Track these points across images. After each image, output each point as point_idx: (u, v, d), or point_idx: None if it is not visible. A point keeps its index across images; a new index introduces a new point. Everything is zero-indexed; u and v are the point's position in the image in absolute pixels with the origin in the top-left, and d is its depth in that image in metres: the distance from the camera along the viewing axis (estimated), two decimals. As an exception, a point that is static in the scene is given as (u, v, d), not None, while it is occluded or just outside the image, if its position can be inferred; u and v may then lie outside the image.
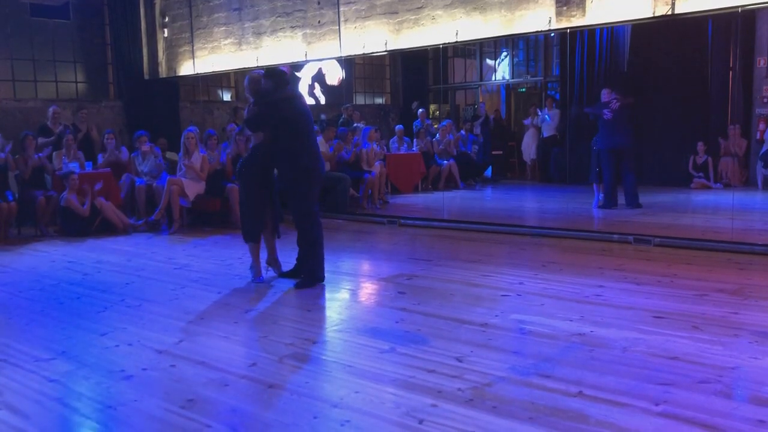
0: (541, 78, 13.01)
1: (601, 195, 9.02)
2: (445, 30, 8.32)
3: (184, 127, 10.41)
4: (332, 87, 11.68)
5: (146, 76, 11.92)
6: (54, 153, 8.97)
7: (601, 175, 8.92)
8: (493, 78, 13.69)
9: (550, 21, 7.47)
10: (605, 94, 8.92)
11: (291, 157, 5.38)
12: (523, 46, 13.22)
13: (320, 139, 9.49)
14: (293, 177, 5.40)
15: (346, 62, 10.57)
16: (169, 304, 5.05)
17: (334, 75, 11.41)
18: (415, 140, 11.63)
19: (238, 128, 9.75)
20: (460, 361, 3.62)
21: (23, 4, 10.86)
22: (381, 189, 10.14)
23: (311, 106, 12.18)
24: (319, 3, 9.54)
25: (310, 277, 5.52)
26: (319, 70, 11.51)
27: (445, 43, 8.56)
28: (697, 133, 10.44)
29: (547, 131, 11.82)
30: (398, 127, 11.56)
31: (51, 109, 9.83)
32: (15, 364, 3.80)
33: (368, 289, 5.60)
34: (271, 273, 5.84)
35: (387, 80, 13.67)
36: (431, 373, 3.47)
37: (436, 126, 12.29)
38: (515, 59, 13.58)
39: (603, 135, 8.84)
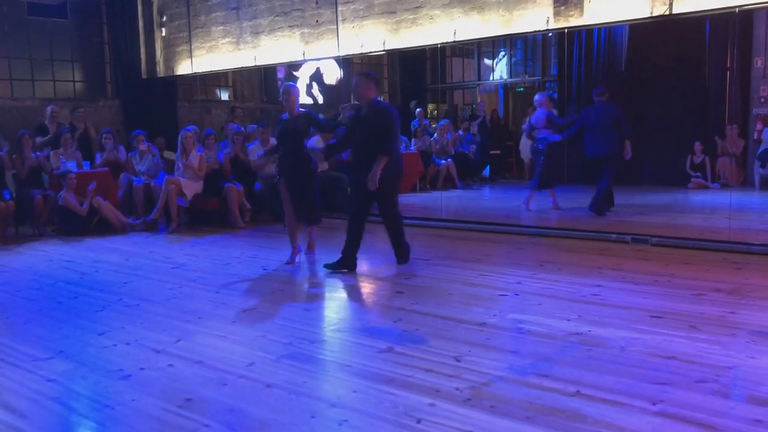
0: (539, 78, 13.02)
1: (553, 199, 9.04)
2: (443, 29, 8.32)
3: (182, 126, 10.41)
4: (330, 86, 11.69)
5: (144, 75, 11.91)
6: (51, 152, 8.96)
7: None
8: (491, 77, 13.70)
9: (548, 21, 7.48)
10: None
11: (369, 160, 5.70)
12: (521, 46, 13.23)
13: (318, 139, 9.49)
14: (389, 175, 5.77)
15: (344, 62, 10.56)
16: (167, 303, 5.05)
17: (332, 74, 11.41)
18: (413, 140, 11.62)
19: (238, 127, 9.77)
20: (458, 361, 3.62)
21: (21, 2, 10.84)
22: (379, 188, 10.12)
23: (309, 105, 12.25)
24: (317, 2, 9.53)
25: (405, 253, 6.10)
26: (317, 69, 11.52)
27: (443, 43, 8.57)
28: (694, 132, 10.46)
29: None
30: None
31: (49, 108, 9.82)
32: (13, 364, 3.80)
33: (366, 289, 5.60)
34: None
35: (385, 80, 13.66)
36: (429, 372, 3.47)
37: (434, 125, 12.30)
38: (513, 59, 13.59)
39: (585, 141, 8.53)
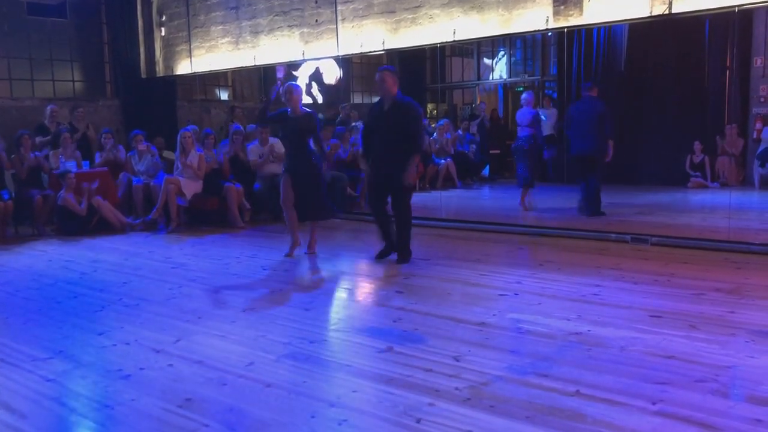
0: (539, 77, 13.01)
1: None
2: (443, 29, 8.32)
3: (181, 126, 10.41)
4: (330, 86, 11.67)
5: (143, 75, 11.91)
6: (51, 152, 8.96)
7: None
8: (491, 77, 13.69)
9: (547, 20, 7.48)
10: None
11: (406, 154, 5.93)
12: (521, 45, 13.22)
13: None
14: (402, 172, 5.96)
15: (344, 61, 10.56)
16: (166, 303, 5.04)
17: (332, 74, 11.40)
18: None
19: (236, 126, 9.76)
20: (458, 361, 3.62)
21: (20, 2, 10.83)
22: (378, 188, 10.12)
23: (308, 105, 12.23)
24: (316, 2, 9.53)
25: (407, 254, 6.19)
26: (317, 69, 11.50)
27: (442, 42, 8.57)
28: (693, 132, 10.46)
29: (545, 130, 11.80)
30: None
31: (49, 108, 9.82)
32: (12, 364, 3.80)
33: (366, 289, 5.60)
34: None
35: (384, 79, 13.62)
36: (429, 372, 3.47)
37: (433, 125, 12.29)
38: (513, 58, 13.58)
39: (570, 137, 8.45)
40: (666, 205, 9.52)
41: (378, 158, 6.10)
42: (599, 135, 8.10)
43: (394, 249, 6.26)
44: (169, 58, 11.75)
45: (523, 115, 8.99)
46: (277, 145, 8.77)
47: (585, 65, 11.40)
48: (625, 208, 8.76)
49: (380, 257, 6.32)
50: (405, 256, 6.21)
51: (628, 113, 11.00)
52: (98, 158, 9.53)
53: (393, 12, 8.75)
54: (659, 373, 3.37)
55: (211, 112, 12.49)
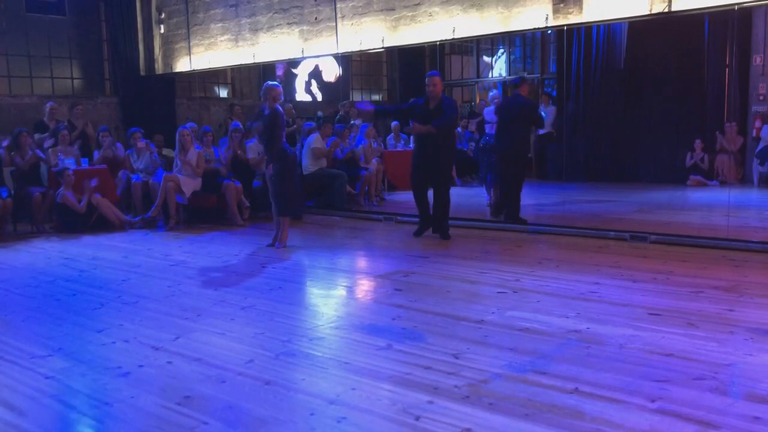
0: (538, 75, 13.00)
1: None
2: (442, 27, 8.32)
3: (180, 123, 10.40)
4: (329, 84, 11.67)
5: (142, 73, 11.90)
6: (50, 149, 8.95)
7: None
8: (490, 75, 13.68)
9: (547, 18, 7.47)
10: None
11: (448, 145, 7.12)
12: (520, 43, 13.21)
13: (317, 136, 9.49)
14: (449, 162, 7.25)
15: (343, 59, 10.55)
16: (165, 300, 5.05)
17: (331, 72, 11.40)
18: (411, 137, 11.58)
19: (235, 124, 9.75)
20: (457, 358, 3.62)
21: (19, -1, 10.83)
22: (378, 186, 10.14)
23: (308, 102, 12.23)
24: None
25: (448, 233, 7.22)
26: (316, 66, 11.51)
27: (442, 40, 8.56)
28: (693, 130, 10.47)
29: (544, 128, 11.79)
30: (394, 123, 11.55)
31: (48, 105, 9.80)
32: (11, 361, 3.80)
33: (365, 286, 5.60)
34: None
35: (384, 77, 13.64)
36: (428, 369, 3.47)
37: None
38: (512, 56, 13.57)
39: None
40: (665, 203, 9.52)
41: (424, 148, 7.05)
42: (512, 133, 7.78)
43: (429, 225, 7.22)
44: (169, 56, 11.74)
45: (490, 113, 8.91)
46: None
47: (584, 63, 11.41)
48: (624, 206, 8.76)
49: (418, 234, 7.28)
50: (447, 235, 7.17)
51: (628, 111, 11.01)
52: (97, 156, 9.51)
53: (392, 9, 8.75)
54: (658, 370, 3.38)
55: (210, 110, 12.49)
